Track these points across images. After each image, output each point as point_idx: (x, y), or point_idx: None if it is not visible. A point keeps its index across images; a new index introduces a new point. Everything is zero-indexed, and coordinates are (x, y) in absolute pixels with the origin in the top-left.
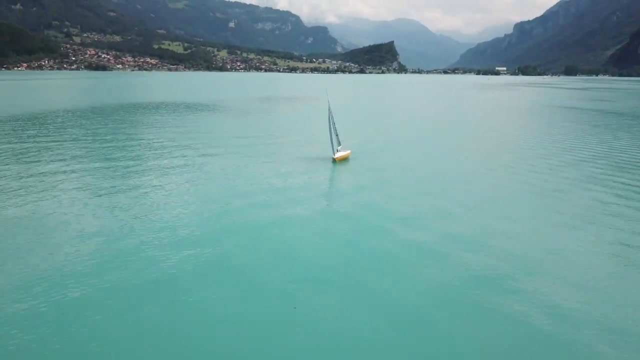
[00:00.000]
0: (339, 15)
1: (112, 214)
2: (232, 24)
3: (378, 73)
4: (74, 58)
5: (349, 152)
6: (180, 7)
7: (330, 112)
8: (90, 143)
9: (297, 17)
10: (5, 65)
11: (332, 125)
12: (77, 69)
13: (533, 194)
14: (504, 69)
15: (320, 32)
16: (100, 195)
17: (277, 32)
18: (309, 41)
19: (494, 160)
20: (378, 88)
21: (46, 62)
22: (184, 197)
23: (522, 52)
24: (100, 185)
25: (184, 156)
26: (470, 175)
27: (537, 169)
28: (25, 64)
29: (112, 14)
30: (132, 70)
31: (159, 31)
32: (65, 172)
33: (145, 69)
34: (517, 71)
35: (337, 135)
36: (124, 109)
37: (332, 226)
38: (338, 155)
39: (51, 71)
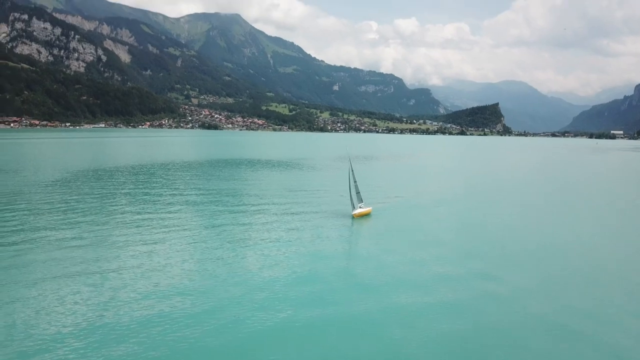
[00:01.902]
0: (443, 77)
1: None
2: (336, 87)
3: (480, 135)
4: (190, 117)
5: (370, 209)
6: (289, 71)
7: (350, 169)
8: (164, 195)
9: (399, 80)
10: (132, 124)
11: (352, 183)
12: (192, 127)
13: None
14: (620, 132)
15: (422, 94)
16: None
17: (379, 94)
18: (411, 103)
19: (534, 225)
20: (466, 149)
21: (166, 121)
22: (201, 247)
23: None
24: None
25: (229, 208)
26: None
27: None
28: (148, 123)
29: (227, 78)
30: (240, 130)
31: (268, 93)
32: (162, 218)
33: (252, 129)
34: (636, 135)
35: (358, 192)
36: (212, 163)
37: (336, 280)
38: (358, 211)
39: (169, 129)
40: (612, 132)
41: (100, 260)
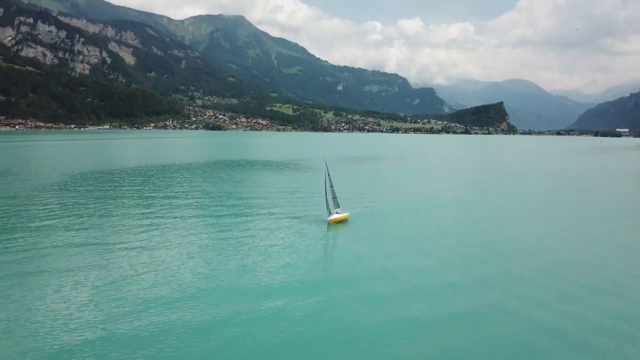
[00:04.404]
0: (448, 77)
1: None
2: (340, 87)
3: (484, 134)
4: (194, 118)
5: (347, 214)
6: (293, 72)
7: (327, 173)
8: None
9: (404, 79)
10: (136, 125)
11: (328, 187)
12: (196, 128)
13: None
14: (626, 130)
15: (427, 94)
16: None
17: (383, 93)
18: (416, 102)
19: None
20: (465, 148)
21: (170, 122)
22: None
23: None
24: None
25: (207, 210)
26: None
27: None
28: (152, 124)
29: (231, 79)
30: (244, 130)
31: (272, 94)
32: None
33: (256, 129)
34: None
35: (334, 197)
36: (209, 165)
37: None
38: (333, 217)
39: (174, 130)
40: (617, 130)
41: (92, 265)
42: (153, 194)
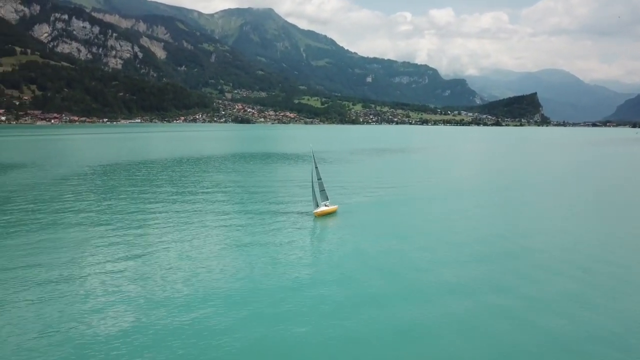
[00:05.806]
0: (480, 67)
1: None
2: (369, 79)
3: (516, 125)
4: (223, 112)
5: (335, 207)
6: (322, 64)
7: (314, 166)
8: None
9: (434, 70)
10: (166, 119)
11: (315, 180)
12: (225, 121)
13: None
14: None
15: (458, 85)
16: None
17: (413, 85)
18: (446, 94)
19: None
20: (486, 141)
21: (200, 115)
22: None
23: None
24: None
25: (212, 204)
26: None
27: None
28: (182, 117)
29: (260, 72)
30: (272, 124)
31: (300, 87)
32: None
33: (284, 122)
34: None
35: (323, 190)
36: (227, 158)
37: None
38: (320, 210)
39: (203, 123)
40: None
41: (92, 260)
42: (158, 189)
